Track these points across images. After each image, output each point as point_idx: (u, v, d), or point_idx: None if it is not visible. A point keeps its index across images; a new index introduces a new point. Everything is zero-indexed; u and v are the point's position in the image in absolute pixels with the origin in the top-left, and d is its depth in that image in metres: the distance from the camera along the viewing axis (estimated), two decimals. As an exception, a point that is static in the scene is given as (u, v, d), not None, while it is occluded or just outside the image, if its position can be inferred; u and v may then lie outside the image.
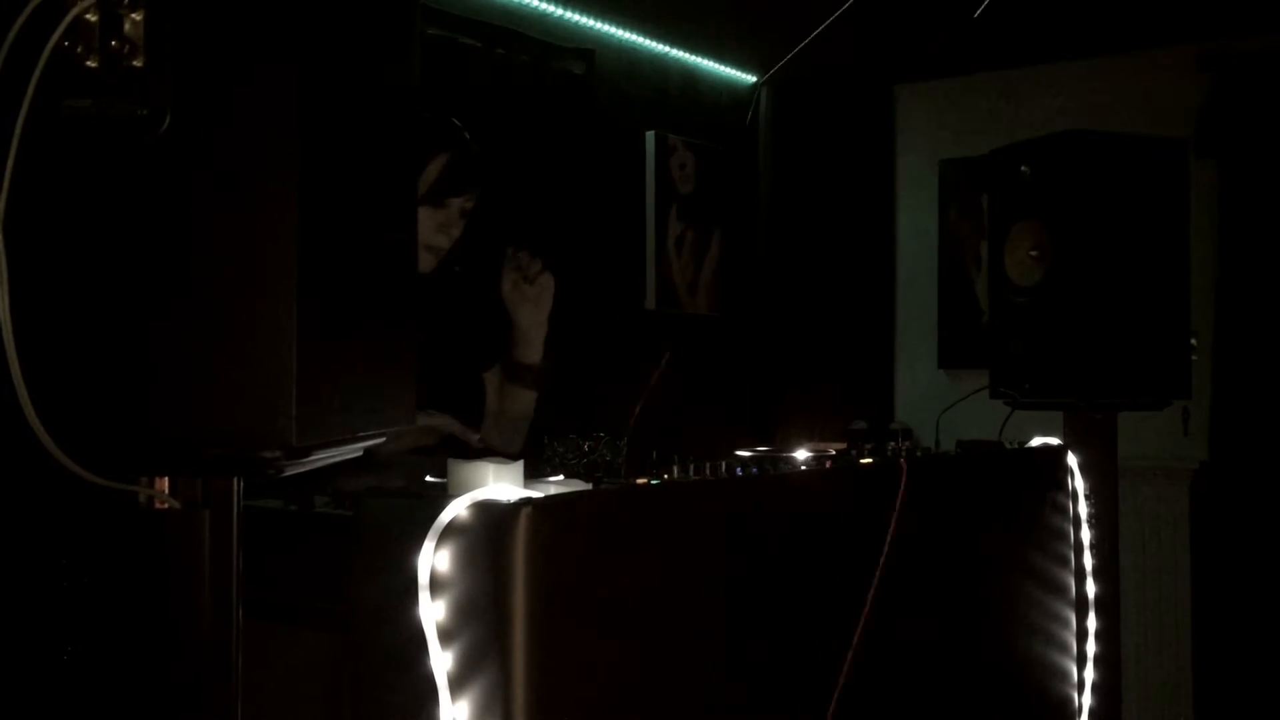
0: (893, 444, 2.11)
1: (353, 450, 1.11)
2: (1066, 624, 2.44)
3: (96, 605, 1.41)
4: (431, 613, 1.28)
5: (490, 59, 3.38)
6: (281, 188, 0.96)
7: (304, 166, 0.97)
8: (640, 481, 1.55)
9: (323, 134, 0.99)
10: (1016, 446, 2.44)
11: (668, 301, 4.14)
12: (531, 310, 3.20)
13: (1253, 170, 4.07)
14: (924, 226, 4.82)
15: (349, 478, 1.51)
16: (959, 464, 2.27)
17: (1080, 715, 2.45)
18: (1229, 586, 4.07)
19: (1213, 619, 4.11)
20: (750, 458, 1.86)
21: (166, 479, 1.05)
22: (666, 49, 4.15)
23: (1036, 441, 2.51)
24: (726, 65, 4.41)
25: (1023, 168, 2.49)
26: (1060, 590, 2.43)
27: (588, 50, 3.74)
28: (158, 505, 1.05)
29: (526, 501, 1.30)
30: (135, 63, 0.95)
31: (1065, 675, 2.44)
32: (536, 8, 3.61)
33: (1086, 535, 2.47)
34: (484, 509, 1.30)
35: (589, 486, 1.48)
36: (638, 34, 3.99)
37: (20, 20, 0.92)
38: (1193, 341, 2.53)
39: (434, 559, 1.29)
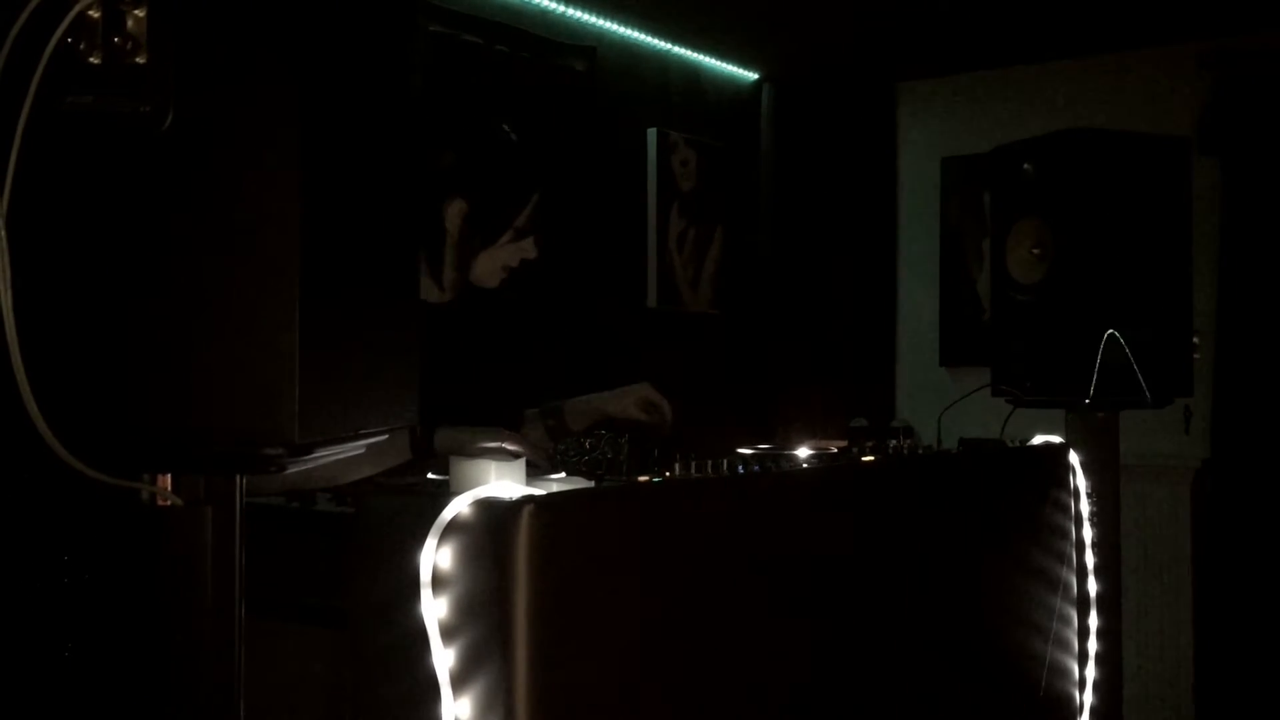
0: (894, 442, 2.11)
1: (355, 447, 1.11)
2: (1068, 622, 2.44)
3: (98, 602, 1.41)
4: (433, 610, 1.28)
5: (492, 56, 3.38)
6: (284, 184, 0.96)
7: (306, 163, 0.97)
8: (642, 479, 1.55)
9: (325, 131, 0.99)
10: (1018, 445, 2.44)
11: (669, 299, 4.14)
12: None
13: (1254, 168, 4.07)
14: (926, 224, 4.82)
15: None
16: (961, 462, 2.27)
17: (1081, 713, 2.45)
18: (1230, 584, 4.07)
19: (1214, 617, 4.11)
20: (752, 455, 1.86)
21: (169, 476, 1.05)
22: (668, 46, 4.15)
23: (1038, 440, 2.51)
24: (728, 62, 4.40)
25: (1025, 165, 2.49)
26: (1062, 588, 2.43)
27: (589, 47, 3.74)
28: (160, 502, 1.05)
29: (529, 499, 1.30)
30: (138, 59, 0.94)
31: (1066, 673, 2.44)
32: (538, 4, 3.61)
33: (1088, 533, 2.47)
34: (486, 506, 1.30)
35: (591, 484, 1.48)
36: (639, 31, 3.99)
37: (23, 17, 0.92)
38: (1195, 340, 2.53)
39: (436, 556, 1.29)
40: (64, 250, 0.97)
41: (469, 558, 1.29)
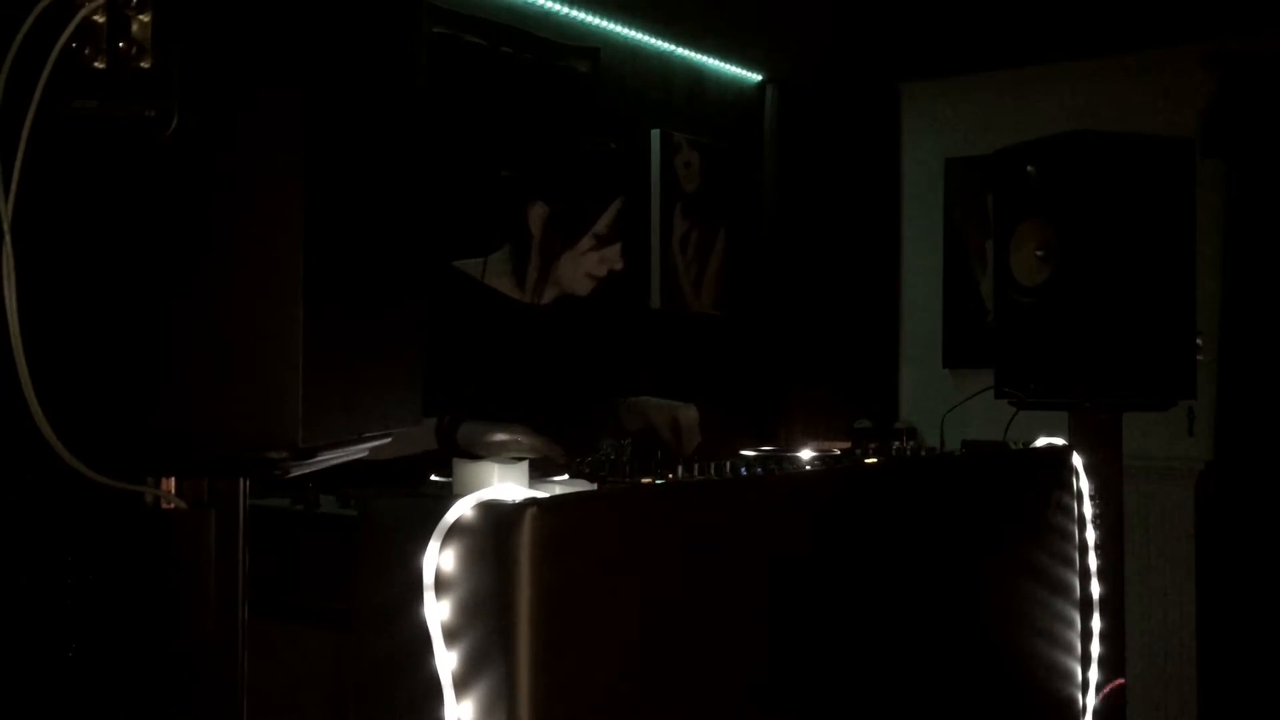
0: (897, 443, 2.11)
1: (358, 451, 1.11)
2: (1071, 624, 2.44)
3: (102, 604, 1.41)
4: (436, 612, 1.28)
5: (495, 57, 3.38)
6: (288, 188, 0.96)
7: (310, 167, 0.97)
8: (645, 481, 1.55)
9: (329, 134, 1.00)
10: (1021, 447, 2.44)
11: (672, 300, 4.14)
12: None
13: (1259, 169, 4.07)
14: (929, 226, 4.82)
15: None
16: (964, 464, 2.27)
17: (1084, 716, 2.45)
18: (1234, 587, 4.07)
19: (1217, 619, 4.11)
20: (755, 457, 1.86)
21: (173, 479, 1.05)
22: (672, 47, 4.15)
23: (1041, 442, 2.51)
24: (732, 64, 4.41)
25: (1028, 167, 2.49)
26: (1065, 590, 2.43)
27: (593, 49, 3.74)
28: (164, 505, 1.05)
29: (532, 501, 1.30)
30: (143, 64, 0.95)
31: (1069, 675, 2.43)
32: (542, 6, 3.61)
33: (1091, 536, 2.47)
34: (489, 509, 1.31)
35: (594, 487, 1.48)
36: (643, 32, 3.99)
37: (28, 21, 0.92)
38: (1198, 341, 2.53)
39: (439, 559, 1.29)
40: (68, 254, 0.97)
41: (472, 560, 1.29)
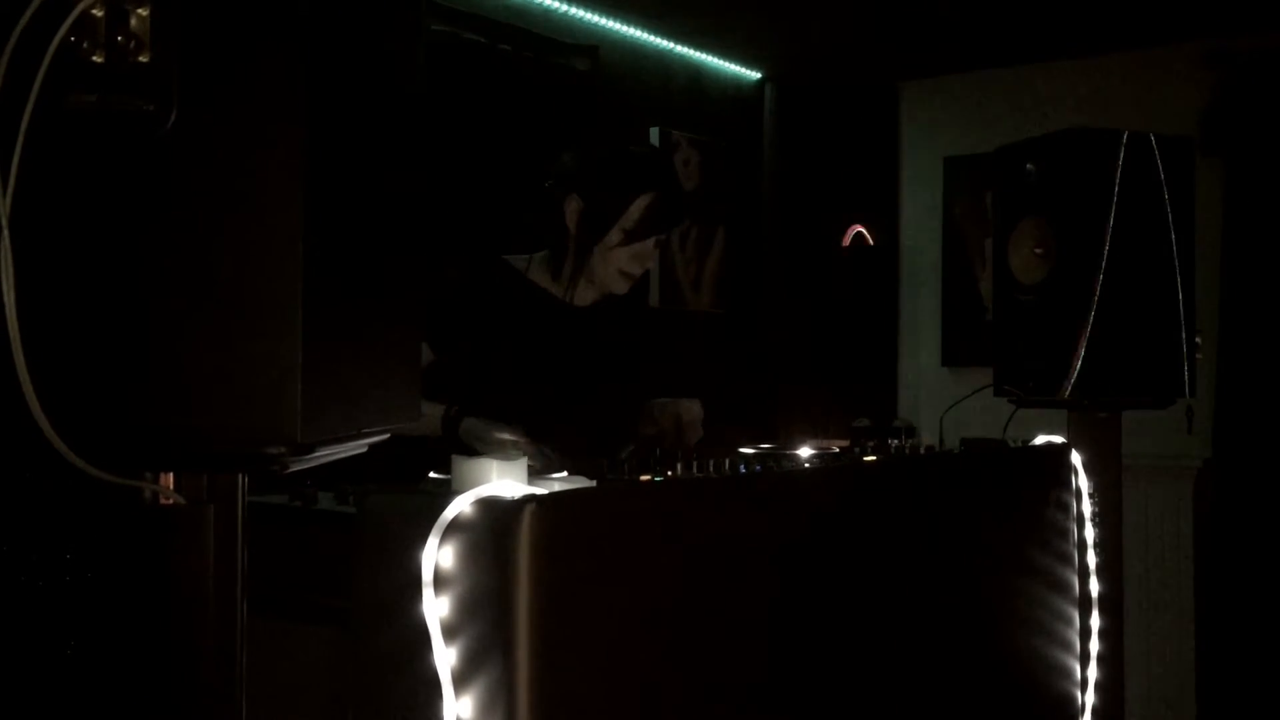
0: (896, 441, 2.11)
1: (357, 446, 1.11)
2: (1069, 622, 2.44)
3: (100, 601, 1.41)
4: (435, 609, 1.28)
5: (494, 55, 3.38)
6: (287, 183, 0.96)
7: (310, 162, 0.96)
8: (644, 479, 1.55)
9: (329, 130, 0.99)
10: (1020, 445, 2.44)
11: (671, 298, 4.14)
12: None
13: (1258, 168, 4.07)
14: (928, 224, 4.82)
15: None
16: (963, 462, 2.27)
17: (1083, 713, 2.45)
18: (1232, 584, 4.07)
19: (1216, 617, 4.11)
20: (753, 455, 1.86)
21: (171, 474, 1.05)
22: (671, 45, 4.15)
23: (1040, 440, 2.51)
24: (731, 62, 4.40)
25: (1028, 165, 2.49)
26: (1063, 588, 2.43)
27: (592, 46, 3.74)
28: (162, 501, 1.05)
29: (530, 498, 1.30)
30: (141, 58, 0.94)
31: (1068, 673, 2.43)
32: (541, 4, 3.61)
33: (1090, 533, 2.47)
34: (488, 505, 1.30)
35: (593, 484, 1.48)
36: (642, 30, 3.99)
37: (26, 15, 0.92)
38: (1197, 340, 2.53)
39: (438, 555, 1.29)
40: (67, 249, 0.97)
41: (471, 557, 1.29)
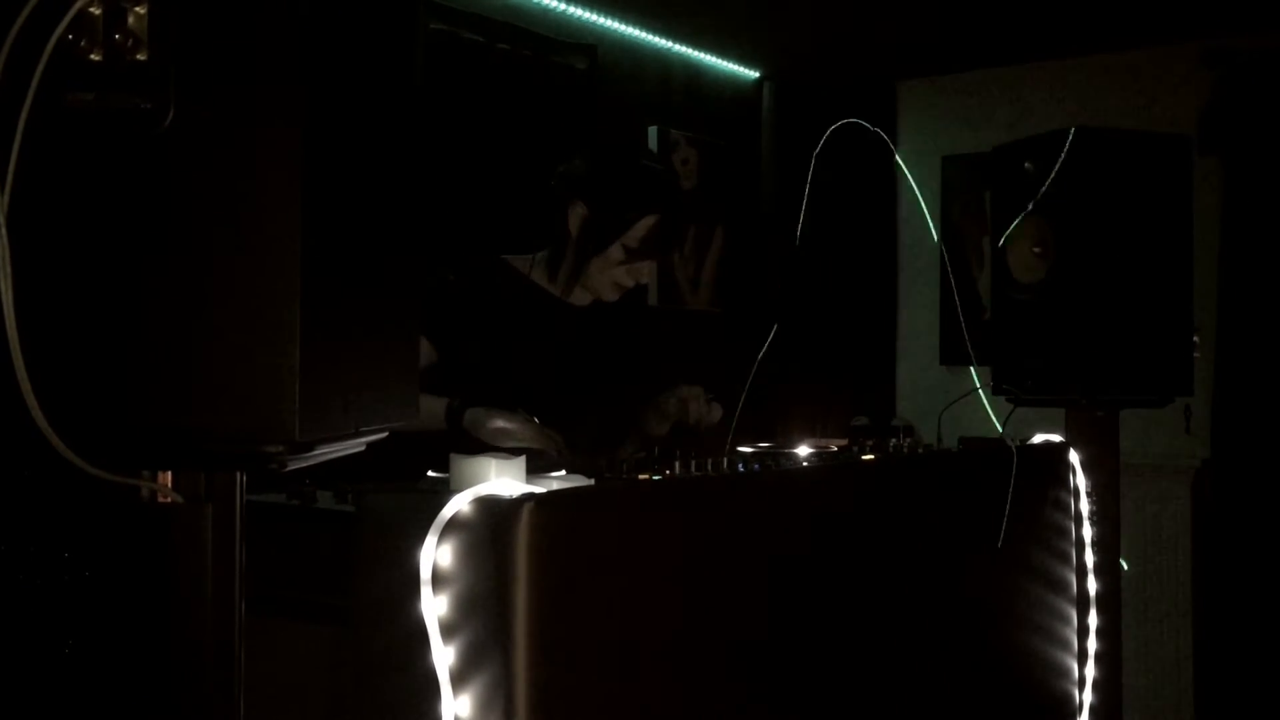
0: (894, 440, 2.11)
1: (355, 445, 1.11)
2: (1067, 621, 2.44)
3: (98, 599, 1.41)
4: (433, 608, 1.28)
5: (492, 54, 3.38)
6: (285, 182, 0.96)
7: (308, 161, 0.96)
8: (642, 477, 1.55)
9: (327, 128, 0.99)
10: (1018, 443, 2.44)
11: (670, 298, 4.14)
12: None
13: (1256, 167, 4.07)
14: (926, 223, 4.82)
15: None
16: (960, 461, 2.27)
17: (1081, 712, 2.45)
18: (1230, 584, 4.07)
19: (1214, 616, 4.11)
20: (752, 454, 1.86)
21: (169, 473, 1.05)
22: (669, 44, 4.14)
23: (1038, 438, 2.51)
24: (729, 61, 4.40)
25: (1026, 164, 2.49)
26: (1061, 587, 2.43)
27: (590, 45, 3.74)
28: (160, 499, 1.05)
29: (529, 496, 1.30)
30: (139, 56, 0.94)
31: (1066, 672, 2.44)
32: (539, 3, 3.60)
33: (1088, 532, 2.47)
34: (486, 504, 1.30)
35: (591, 482, 1.48)
36: (640, 29, 3.99)
37: (24, 13, 0.92)
38: (1195, 339, 2.53)
39: (436, 554, 1.29)
40: (65, 247, 0.97)
41: (469, 555, 1.29)
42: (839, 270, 4.73)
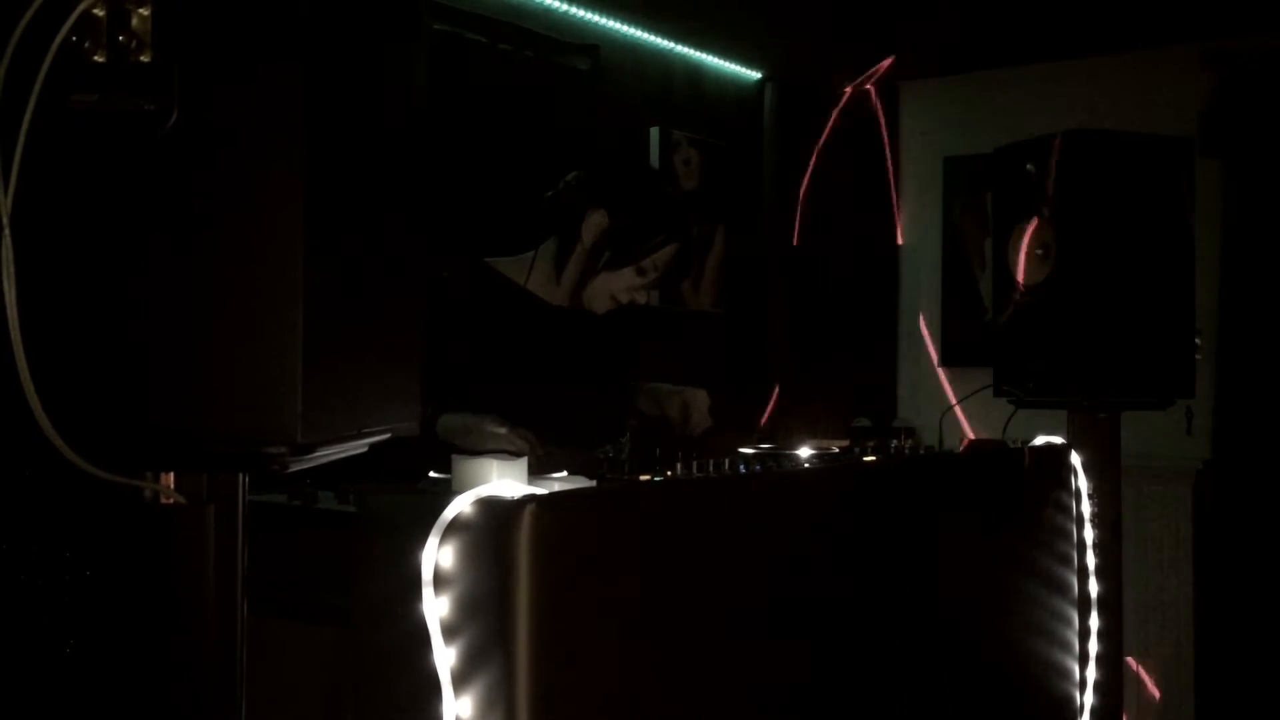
0: (895, 442, 2.11)
1: (357, 446, 1.11)
2: (1069, 623, 2.44)
3: (100, 599, 1.41)
4: (435, 609, 1.28)
5: (495, 54, 3.38)
6: (288, 183, 0.96)
7: (311, 162, 0.97)
8: (643, 479, 1.55)
9: (330, 130, 0.99)
10: (1020, 445, 2.44)
11: (670, 298, 4.14)
12: None
13: (1258, 169, 4.07)
14: (928, 224, 4.82)
15: None
16: (962, 462, 2.27)
17: (1081, 714, 2.45)
18: (1231, 586, 4.07)
19: (1215, 618, 4.11)
20: (753, 455, 1.86)
21: (172, 474, 1.05)
22: (671, 45, 4.14)
23: (1040, 440, 2.51)
24: (731, 61, 4.40)
25: (1027, 166, 2.49)
26: (1063, 589, 2.43)
27: (592, 46, 3.74)
28: (163, 500, 1.05)
29: (531, 498, 1.30)
30: (142, 58, 0.95)
31: (1067, 674, 2.44)
32: (542, 3, 3.60)
33: (1089, 534, 2.47)
34: (488, 505, 1.30)
35: (593, 484, 1.48)
36: (643, 29, 3.99)
37: (28, 14, 0.92)
38: (1197, 341, 2.52)
39: (438, 555, 1.29)
40: (68, 248, 0.97)
41: (471, 557, 1.29)
42: (840, 270, 4.73)
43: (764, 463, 1.79)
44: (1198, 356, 2.53)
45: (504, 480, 1.34)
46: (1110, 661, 2.46)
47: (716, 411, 2.40)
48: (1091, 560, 2.46)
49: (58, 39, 0.92)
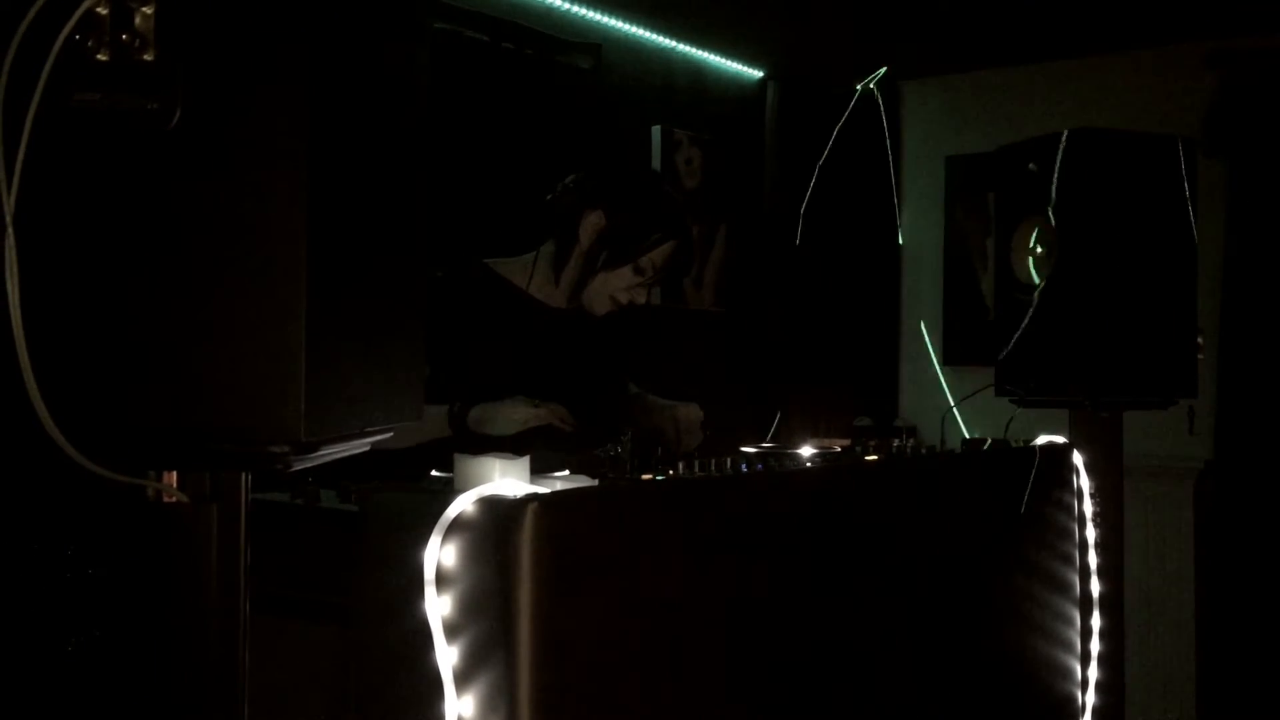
0: (897, 441, 2.11)
1: (360, 445, 1.11)
2: (1070, 622, 2.44)
3: (103, 598, 1.41)
4: (437, 608, 1.28)
5: (497, 53, 3.38)
6: (291, 182, 0.96)
7: (313, 161, 0.97)
8: (645, 478, 1.55)
9: (332, 128, 0.99)
10: (1022, 445, 2.44)
11: (672, 297, 4.13)
12: None
13: (1260, 169, 4.06)
14: (930, 223, 4.81)
15: None
16: (963, 462, 2.27)
17: (1084, 713, 2.45)
18: (1233, 585, 4.07)
19: (1217, 618, 4.11)
20: (755, 454, 1.86)
21: (175, 473, 1.05)
22: (673, 43, 4.14)
23: (1042, 440, 2.51)
24: (733, 60, 4.40)
25: (1030, 165, 2.48)
26: (1064, 588, 2.43)
27: (594, 45, 3.74)
28: (166, 499, 1.05)
29: (533, 497, 1.30)
30: (146, 57, 0.95)
31: (1069, 673, 2.44)
32: (543, 2, 3.60)
33: (1091, 533, 2.47)
34: (490, 504, 1.31)
35: (595, 482, 1.48)
36: (644, 28, 3.98)
37: (31, 13, 0.92)
38: (1199, 340, 2.52)
39: (440, 554, 1.29)
40: (71, 247, 0.97)
41: (473, 555, 1.29)
42: (842, 270, 4.73)
43: (765, 462, 1.79)
44: (1200, 356, 2.53)
45: (506, 479, 1.34)
46: (1112, 661, 2.46)
47: (713, 424, 2.40)
48: (1093, 559, 2.46)
49: (61, 37, 0.92)
